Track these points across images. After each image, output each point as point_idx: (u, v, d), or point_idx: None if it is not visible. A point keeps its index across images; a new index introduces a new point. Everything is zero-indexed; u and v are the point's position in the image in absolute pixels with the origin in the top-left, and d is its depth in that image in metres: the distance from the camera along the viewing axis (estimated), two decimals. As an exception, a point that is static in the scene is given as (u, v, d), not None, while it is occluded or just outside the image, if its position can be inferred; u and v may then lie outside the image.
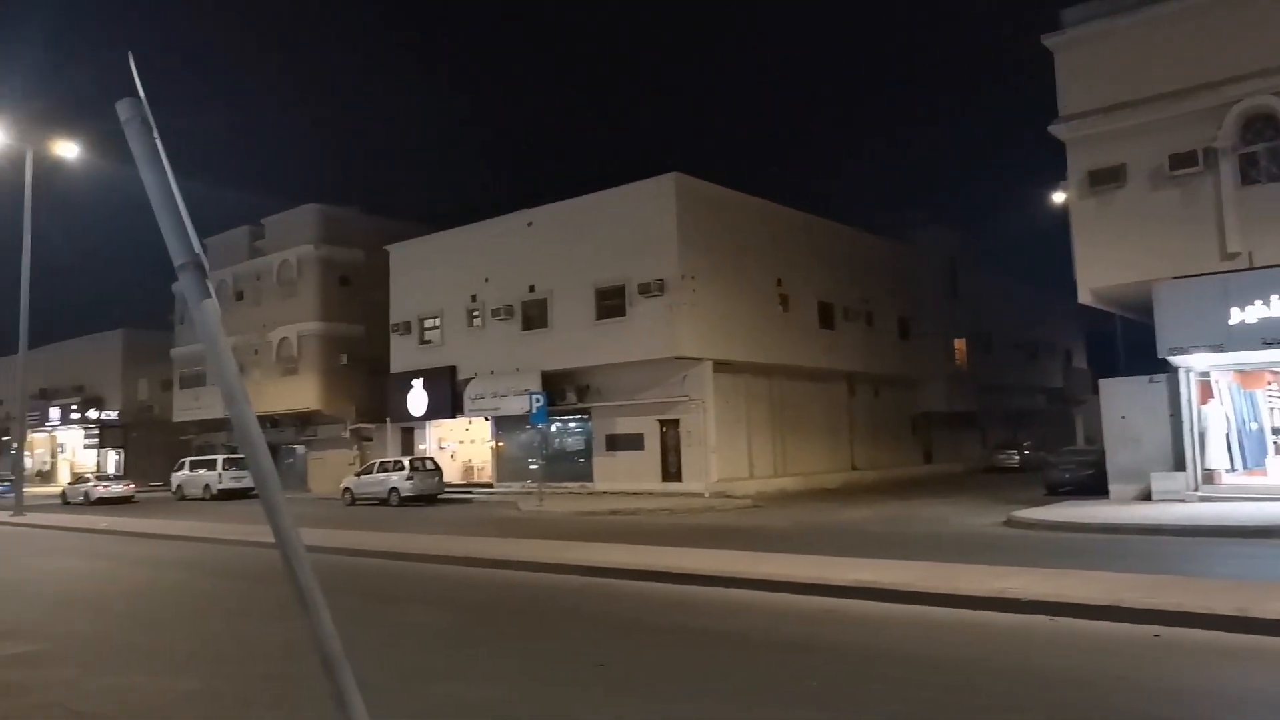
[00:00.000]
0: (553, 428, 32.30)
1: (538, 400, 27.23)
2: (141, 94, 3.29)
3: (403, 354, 38.04)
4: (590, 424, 32.24)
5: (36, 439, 61.15)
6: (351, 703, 3.16)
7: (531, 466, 31.90)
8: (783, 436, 32.53)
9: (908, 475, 36.99)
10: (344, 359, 40.83)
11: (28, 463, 47.95)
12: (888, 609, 9.36)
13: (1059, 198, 26.66)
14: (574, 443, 33.23)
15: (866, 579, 10.23)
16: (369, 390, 39.56)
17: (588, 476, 31.88)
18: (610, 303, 30.80)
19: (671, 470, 29.83)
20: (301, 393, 40.94)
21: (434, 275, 36.87)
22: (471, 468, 37.56)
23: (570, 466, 32.61)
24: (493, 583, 12.36)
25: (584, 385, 32.10)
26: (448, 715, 6.06)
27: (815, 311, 34.63)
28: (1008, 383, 46.88)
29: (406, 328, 37.92)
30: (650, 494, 28.31)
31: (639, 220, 30.07)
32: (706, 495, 27.46)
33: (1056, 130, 21.01)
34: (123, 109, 3.33)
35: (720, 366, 29.65)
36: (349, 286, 41.98)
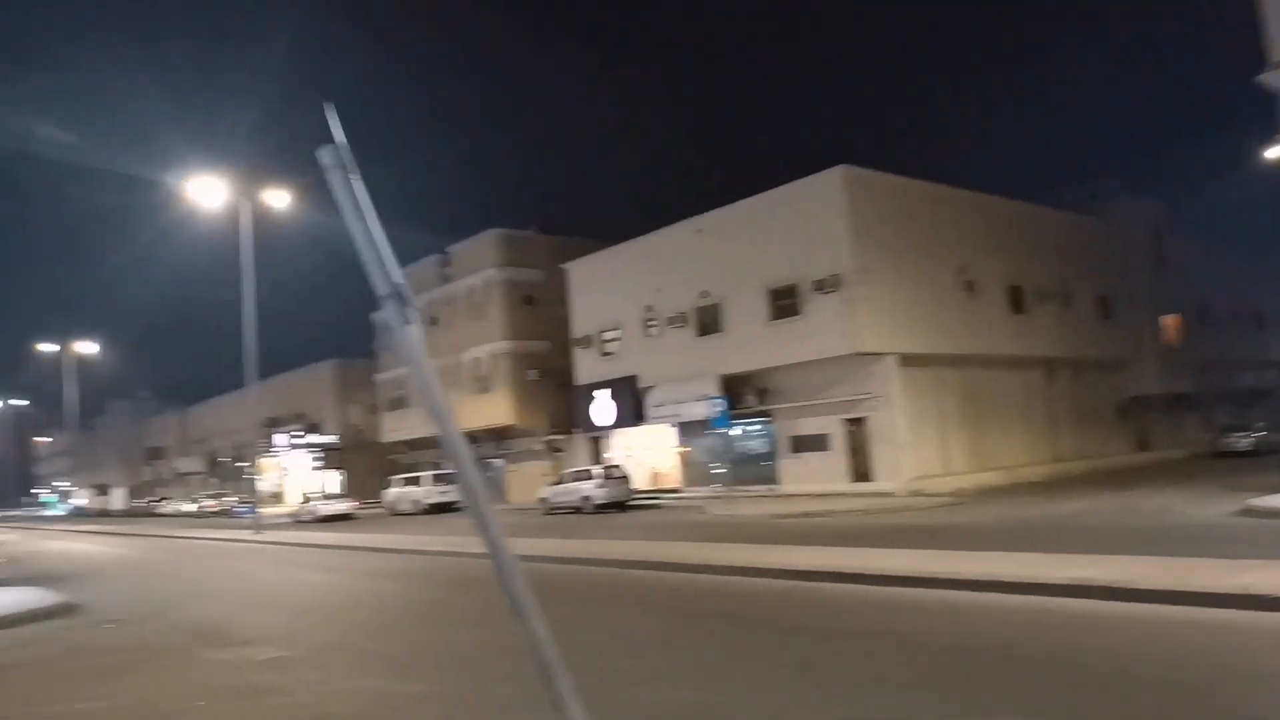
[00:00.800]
0: (735, 431, 32.23)
1: (718, 405, 27.29)
2: (340, 141, 3.57)
3: (586, 366, 39.17)
4: (773, 426, 31.95)
5: (267, 464, 67.27)
6: (569, 708, 3.27)
7: (716, 471, 32.00)
8: (979, 429, 30.98)
9: (1120, 464, 34.35)
10: (533, 374, 42.50)
11: (261, 486, 52.69)
12: (1110, 608, 8.72)
13: (1274, 153, 24.01)
14: (757, 445, 33.02)
15: (1085, 576, 9.58)
16: (558, 403, 40.96)
17: (773, 479, 31.60)
18: (784, 302, 30.45)
19: (861, 470, 29.07)
20: (496, 409, 42.92)
21: (610, 288, 37.79)
22: (658, 474, 38.08)
23: (755, 469, 32.44)
24: (692, 587, 12.47)
25: (763, 387, 31.88)
26: (658, 718, 6.14)
27: (1005, 296, 32.88)
28: (1231, 358, 42.65)
29: (588, 341, 39.02)
30: (840, 495, 27.69)
31: (808, 217, 29.59)
32: (900, 494, 26.56)
33: (1268, 80, 18.92)
34: (324, 155, 3.62)
35: (906, 360, 28.63)
36: (532, 305, 43.71)
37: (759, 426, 32.78)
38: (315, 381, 65.45)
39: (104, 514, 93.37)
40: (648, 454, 38.46)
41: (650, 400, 35.24)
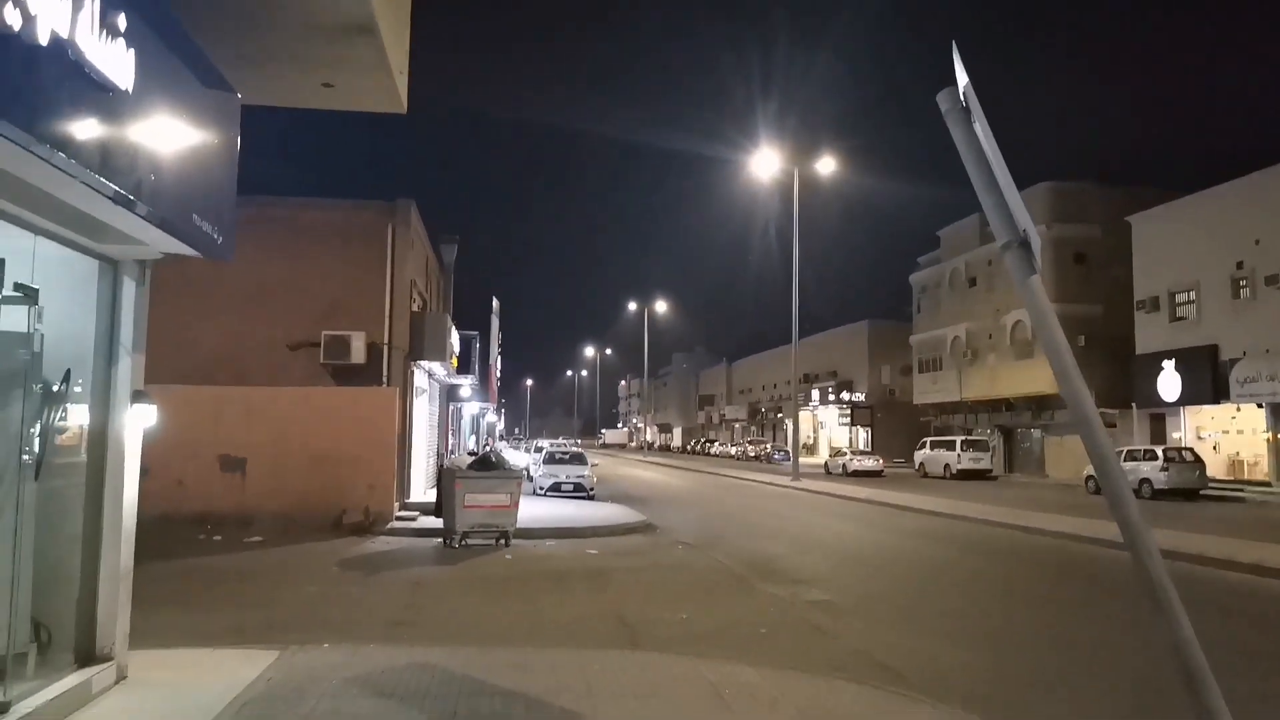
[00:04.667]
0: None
1: (1339, 384, 22.07)
2: (963, 84, 3.38)
3: (1149, 333, 34.49)
4: None
5: (802, 417, 71.38)
6: (1220, 721, 2.79)
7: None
8: None
9: None
10: (1081, 341, 38.65)
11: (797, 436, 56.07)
12: None
13: None
14: (1393, 438, 26.13)
15: None
16: (1110, 373, 36.74)
17: None
18: None
19: None
20: (1036, 376, 39.98)
21: (1186, 244, 32.63)
22: (1239, 462, 32.23)
23: (1388, 468, 25.73)
24: (1299, 602, 10.29)
25: None
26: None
27: None
28: None
29: (1154, 304, 34.27)
30: None
31: None
32: None
33: None
34: (943, 100, 3.47)
35: None
36: (1084, 264, 39.66)
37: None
38: (849, 341, 67.51)
39: (665, 449, 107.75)
40: (1226, 438, 32.80)
41: (1235, 374, 29.82)
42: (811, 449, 69.54)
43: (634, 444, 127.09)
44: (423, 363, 19.41)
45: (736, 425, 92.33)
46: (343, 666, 6.16)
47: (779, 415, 77.98)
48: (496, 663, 6.43)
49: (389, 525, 15.47)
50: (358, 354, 16.67)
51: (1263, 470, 30.31)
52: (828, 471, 44.44)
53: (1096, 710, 6.08)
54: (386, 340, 17.25)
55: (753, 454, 66.18)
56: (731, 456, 71.08)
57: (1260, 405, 29.66)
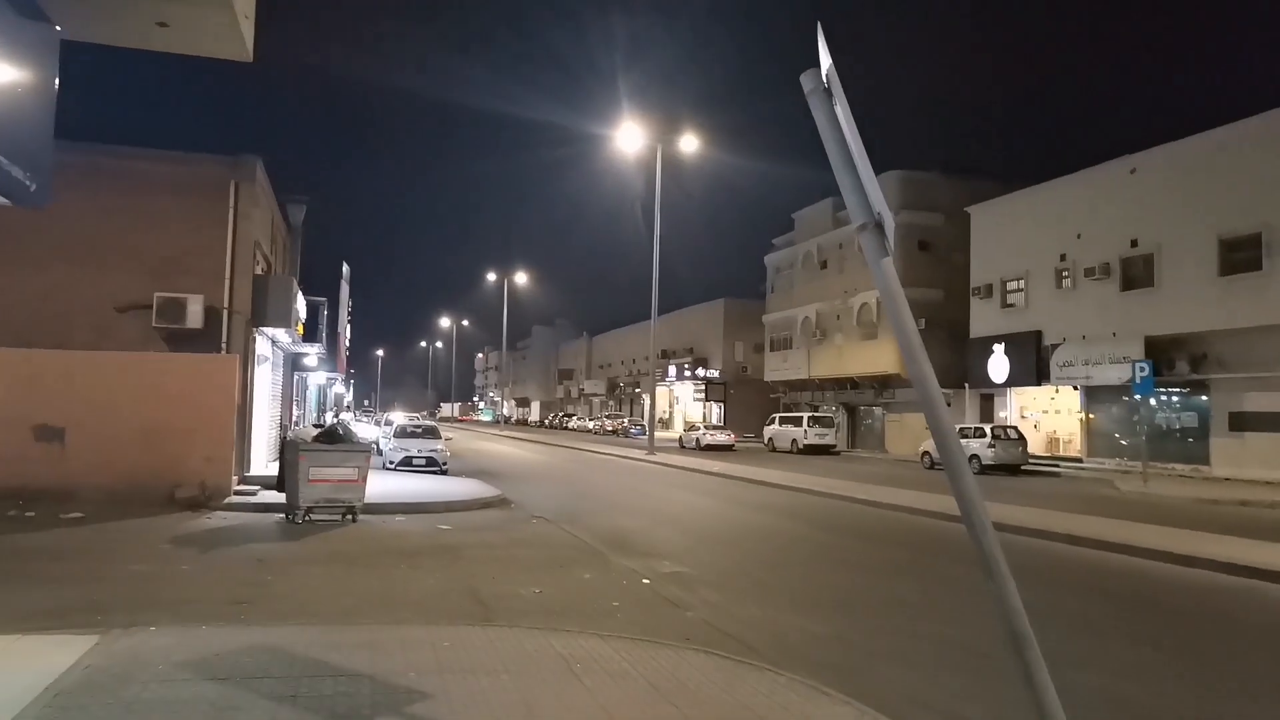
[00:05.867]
0: (1154, 401, 28.38)
1: (1142, 369, 24.16)
2: (825, 65, 3.43)
3: (983, 318, 36.78)
4: (1207, 399, 27.67)
5: (659, 392, 72.42)
6: (1040, 681, 2.98)
7: (1125, 443, 28.59)
8: None
9: None
10: (922, 323, 40.77)
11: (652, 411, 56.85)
12: None
13: None
14: (1183, 419, 28.88)
15: None
16: (947, 355, 38.97)
17: (1201, 459, 27.49)
18: (1240, 255, 25.99)
19: (1326, 459, 24.26)
20: (880, 356, 41.97)
21: (1018, 234, 34.93)
22: (1057, 439, 34.97)
23: (1177, 446, 28.46)
24: (1103, 567, 11.24)
25: (1200, 354, 27.62)
26: (1102, 708, 5.55)
27: None
28: None
29: (988, 291, 36.53)
30: (1293, 486, 23.35)
31: (1283, 154, 24.76)
32: (1381, 494, 21.75)
33: None
34: (806, 80, 3.51)
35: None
36: (928, 251, 41.80)
37: (1186, 397, 28.61)
38: (706, 318, 68.88)
39: (522, 423, 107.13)
40: (1045, 417, 35.48)
41: (1055, 359, 32.24)
42: (668, 424, 70.71)
43: (473, 418, 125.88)
44: (266, 329, 18.46)
45: (595, 400, 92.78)
46: (172, 649, 5.78)
47: (637, 390, 78.88)
48: (342, 641, 6.20)
49: (227, 500, 14.69)
50: (195, 318, 15.68)
51: (1076, 447, 32.95)
52: (682, 446, 45.30)
53: (934, 673, 6.43)
54: (227, 304, 16.29)
55: (610, 428, 66.71)
56: (590, 431, 71.42)
57: (1076, 387, 32.18)
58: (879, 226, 3.33)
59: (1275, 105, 25.37)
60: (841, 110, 3.37)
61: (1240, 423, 26.56)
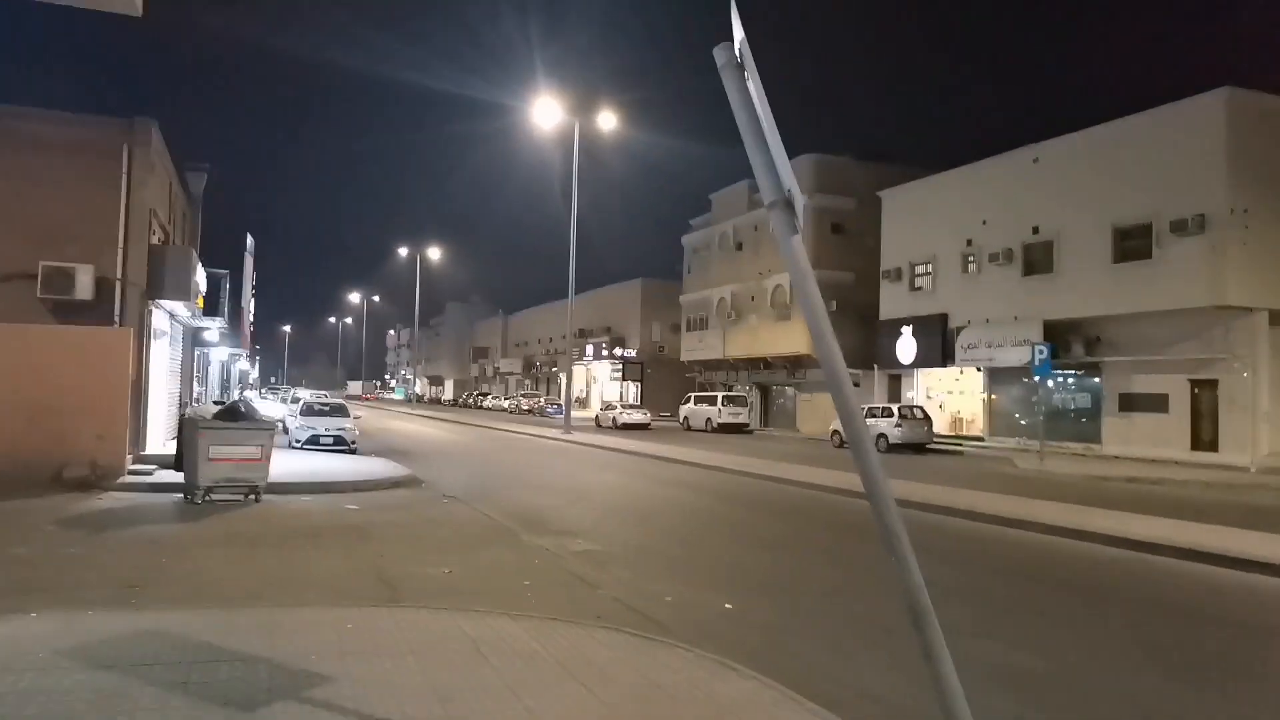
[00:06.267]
0: (1052, 383, 29.60)
1: (1041, 352, 25.17)
2: (739, 39, 3.38)
3: (892, 301, 37.70)
4: (1100, 380, 28.98)
5: (576, 371, 72.24)
6: (939, 656, 3.04)
7: (1027, 423, 29.76)
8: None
9: None
10: (833, 305, 41.59)
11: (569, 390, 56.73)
12: None
13: None
14: (1078, 400, 30.20)
15: None
16: (857, 337, 39.92)
17: (1094, 438, 28.82)
18: (1132, 243, 27.21)
19: (1204, 438, 25.66)
20: (793, 337, 42.68)
21: (927, 220, 35.85)
22: (960, 419, 36.20)
23: (1072, 426, 29.77)
24: (1001, 541, 11.68)
25: (1094, 337, 28.89)
26: (1000, 678, 5.74)
27: None
28: None
29: (897, 274, 37.44)
30: (1175, 463, 24.67)
31: (1172, 147, 25.95)
32: (1252, 470, 23.16)
33: None
34: (719, 54, 3.46)
35: (1277, 318, 24.63)
36: (841, 234, 42.59)
37: (1081, 379, 29.92)
38: (623, 297, 68.90)
39: (435, 402, 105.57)
40: (950, 397, 36.66)
41: (960, 341, 33.29)
42: (584, 403, 70.62)
43: (374, 397, 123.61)
44: (163, 302, 17.67)
45: (511, 378, 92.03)
46: (53, 637, 5.48)
47: (554, 369, 78.50)
48: (241, 625, 5.98)
49: (121, 480, 14.05)
50: (84, 289, 14.87)
51: (979, 427, 34.15)
52: (599, 425, 45.34)
53: (843, 649, 6.55)
54: (120, 275, 15.48)
55: (526, 408, 66.31)
56: (505, 410, 70.84)
57: (979, 369, 33.31)
58: (789, 204, 3.32)
59: (1167, 100, 26.53)
60: (754, 86, 3.34)
61: (1129, 403, 27.91)
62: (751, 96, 3.37)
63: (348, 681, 4.92)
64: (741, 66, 3.38)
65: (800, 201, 3.28)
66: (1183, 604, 8.47)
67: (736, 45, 3.38)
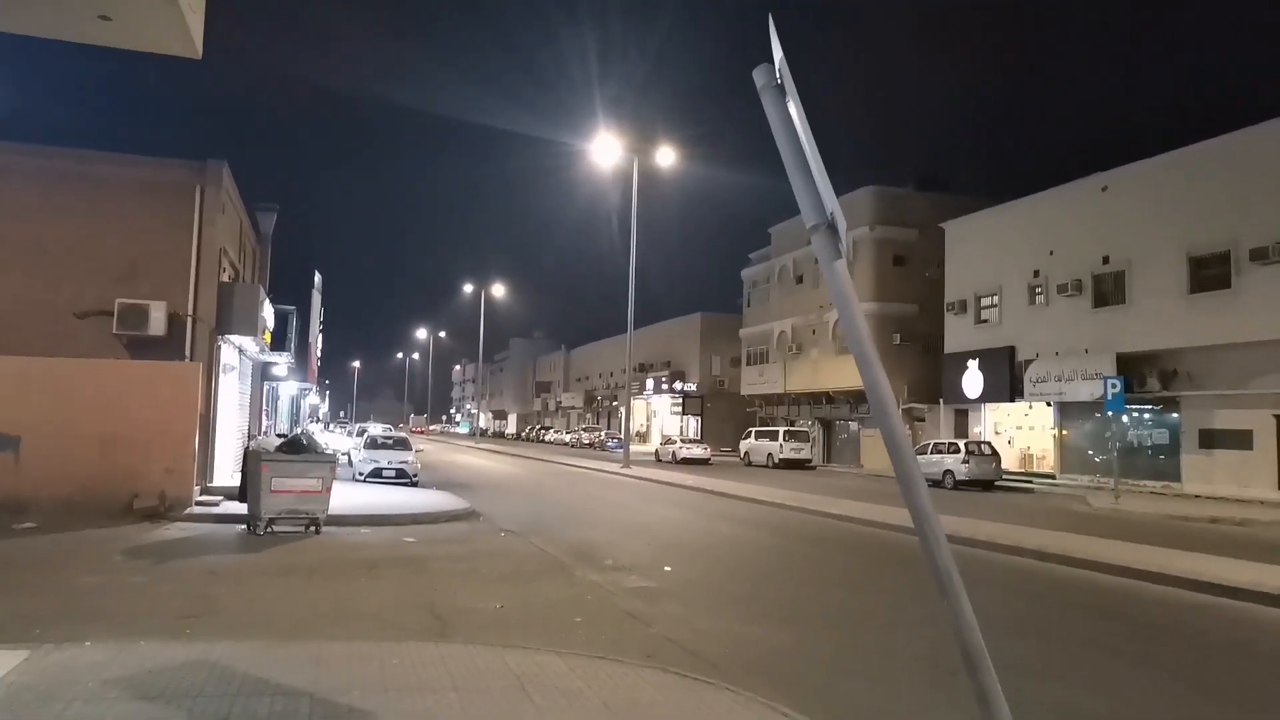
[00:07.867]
0: (1126, 418, 28.57)
1: (1114, 385, 24.30)
2: (777, 60, 3.30)
3: (957, 333, 36.93)
4: (1178, 415, 27.86)
5: (636, 405, 72.21)
6: (995, 704, 2.84)
7: (1098, 459, 28.72)
8: None
9: None
10: (897, 338, 40.98)
11: (630, 425, 56.69)
12: None
13: None
14: (1155, 436, 29.06)
15: None
16: (922, 370, 39.23)
17: (1173, 476, 27.65)
18: (1209, 272, 26.26)
19: (1293, 476, 24.45)
20: (855, 371, 41.77)
21: (992, 251, 35.15)
22: (1030, 456, 35.11)
23: (1149, 462, 28.63)
24: (1075, 583, 11.16)
25: (1170, 370, 27.84)
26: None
27: None
28: None
29: (962, 306, 36.71)
30: (1261, 503, 23.49)
31: (1254, 171, 25.06)
32: (1347, 510, 21.92)
33: None
34: (759, 75, 3.38)
35: (1370, 349, 23.49)
36: (903, 266, 42.00)
37: (1158, 414, 28.81)
38: (683, 331, 68.87)
39: (499, 436, 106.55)
40: (1019, 433, 35.62)
41: (1029, 375, 32.40)
42: (644, 437, 70.49)
43: (437, 429, 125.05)
44: (232, 337, 18.15)
45: (573, 412, 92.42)
46: (104, 666, 5.54)
47: (614, 403, 78.60)
48: (288, 657, 5.97)
49: (188, 511, 14.36)
50: (157, 325, 15.36)
51: (1049, 463, 33.09)
52: (658, 459, 45.11)
53: (898, 689, 6.28)
54: (191, 311, 15.98)
55: (587, 441, 66.41)
56: (566, 444, 71.05)
57: (1049, 404, 32.33)
58: (831, 228, 3.21)
59: (1243, 124, 25.70)
60: (794, 107, 3.26)
61: (1210, 440, 26.75)
62: (792, 118, 3.28)
63: (389, 716, 4.85)
64: (782, 88, 3.30)
65: (844, 225, 3.17)
66: (1269, 652, 7.97)
67: (776, 66, 3.30)
